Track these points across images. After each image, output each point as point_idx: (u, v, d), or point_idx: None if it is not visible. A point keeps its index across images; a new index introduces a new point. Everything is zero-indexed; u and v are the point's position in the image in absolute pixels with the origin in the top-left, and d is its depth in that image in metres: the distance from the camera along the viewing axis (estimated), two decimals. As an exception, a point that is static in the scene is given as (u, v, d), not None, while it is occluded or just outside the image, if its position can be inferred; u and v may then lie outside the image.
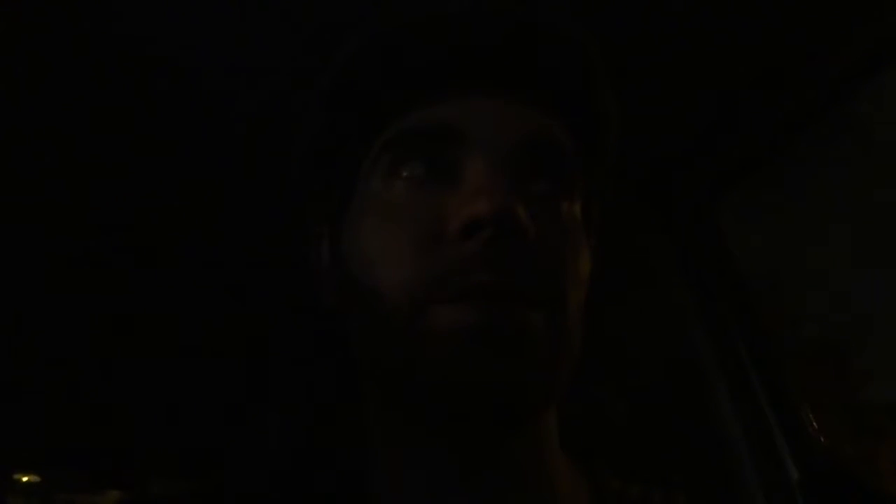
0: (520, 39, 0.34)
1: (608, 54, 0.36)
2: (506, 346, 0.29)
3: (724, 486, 0.94)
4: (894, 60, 0.78)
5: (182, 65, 0.77)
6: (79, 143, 0.91)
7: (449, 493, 0.33)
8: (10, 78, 0.76)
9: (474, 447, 0.33)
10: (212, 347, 1.65)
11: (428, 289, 0.30)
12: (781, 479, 0.91)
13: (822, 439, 0.93)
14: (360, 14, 0.36)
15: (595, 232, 0.41)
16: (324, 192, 0.40)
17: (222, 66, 0.77)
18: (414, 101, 0.34)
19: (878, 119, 0.89)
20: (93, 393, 1.77)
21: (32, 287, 1.31)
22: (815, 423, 0.94)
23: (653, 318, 1.10)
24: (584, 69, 0.36)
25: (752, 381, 0.99)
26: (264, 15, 0.70)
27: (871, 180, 0.91)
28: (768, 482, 0.91)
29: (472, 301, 0.29)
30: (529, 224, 0.29)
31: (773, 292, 1.06)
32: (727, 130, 0.97)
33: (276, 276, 1.27)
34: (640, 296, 1.13)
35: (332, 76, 0.37)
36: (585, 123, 0.37)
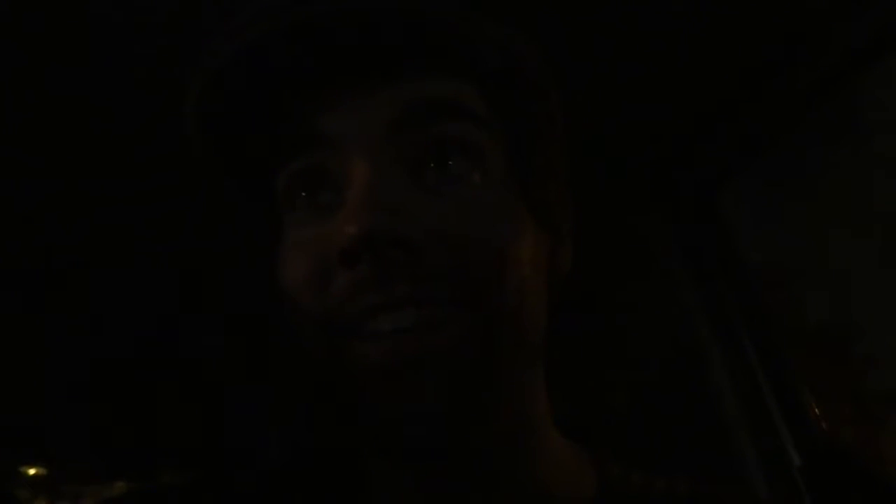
0: (361, 20, 0.31)
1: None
2: (407, 377, 0.28)
3: (725, 472, 0.95)
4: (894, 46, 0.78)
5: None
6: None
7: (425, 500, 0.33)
8: None
9: (431, 462, 0.32)
10: (216, 342, 1.65)
11: (335, 324, 0.30)
12: (783, 465, 0.92)
13: (824, 425, 0.93)
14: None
15: (537, 183, 0.35)
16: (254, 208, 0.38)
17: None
18: (282, 115, 0.32)
19: (878, 107, 0.89)
20: (101, 387, 1.78)
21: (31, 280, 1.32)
22: (816, 410, 0.94)
23: (654, 305, 1.11)
24: (446, 20, 0.32)
25: (754, 368, 0.99)
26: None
27: (874, 169, 0.91)
28: (770, 468, 0.92)
29: (378, 337, 0.29)
30: (410, 229, 0.28)
31: (774, 279, 1.06)
32: (729, 118, 0.97)
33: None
34: (641, 282, 1.13)
35: (192, 105, 0.33)
36: (485, 66, 0.33)
